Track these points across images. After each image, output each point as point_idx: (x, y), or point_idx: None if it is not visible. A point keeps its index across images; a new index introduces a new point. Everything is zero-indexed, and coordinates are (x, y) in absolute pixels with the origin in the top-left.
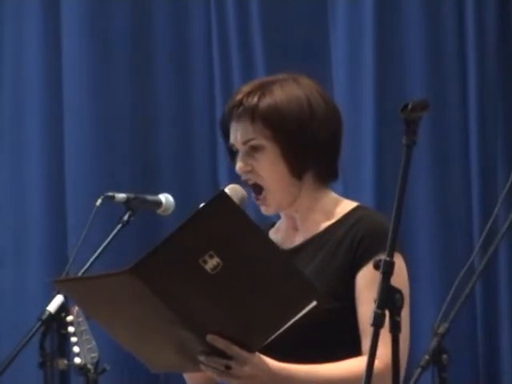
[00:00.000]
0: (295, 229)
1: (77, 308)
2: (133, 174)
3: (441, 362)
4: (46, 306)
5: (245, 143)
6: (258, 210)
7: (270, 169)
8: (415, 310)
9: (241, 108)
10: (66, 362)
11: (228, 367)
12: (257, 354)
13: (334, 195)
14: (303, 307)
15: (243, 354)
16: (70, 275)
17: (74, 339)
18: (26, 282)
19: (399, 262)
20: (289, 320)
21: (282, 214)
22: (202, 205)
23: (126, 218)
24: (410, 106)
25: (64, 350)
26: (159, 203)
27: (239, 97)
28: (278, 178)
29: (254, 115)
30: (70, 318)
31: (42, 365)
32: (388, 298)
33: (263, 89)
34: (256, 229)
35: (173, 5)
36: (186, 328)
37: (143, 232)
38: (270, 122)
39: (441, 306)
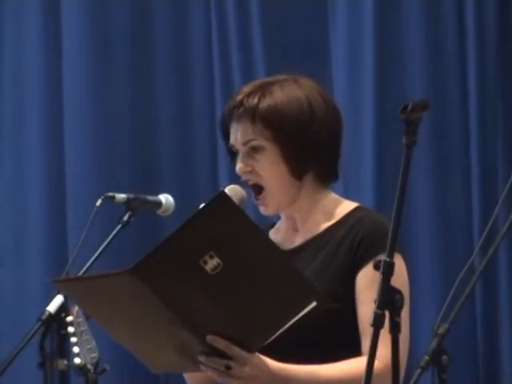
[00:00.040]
0: (295, 229)
1: (77, 308)
2: (133, 175)
3: (441, 363)
4: (46, 306)
5: (245, 144)
6: (257, 211)
7: (270, 169)
8: (415, 310)
9: (241, 108)
10: (65, 362)
11: (228, 367)
12: (257, 354)
13: (334, 196)
14: (303, 308)
15: (243, 354)
16: (70, 275)
17: (73, 339)
18: (26, 282)
19: (399, 262)
20: (289, 320)
21: (282, 215)
22: (202, 205)
23: (126, 218)
24: (410, 107)
25: (64, 350)
26: (159, 203)
27: (239, 97)
28: (278, 178)
29: (254, 116)
30: (69, 319)
31: (41, 365)
32: (388, 299)
33: (263, 89)
34: (256, 229)
35: (173, 5)
36: (186, 328)
37: (143, 232)
38: (270, 122)
39: (441, 307)
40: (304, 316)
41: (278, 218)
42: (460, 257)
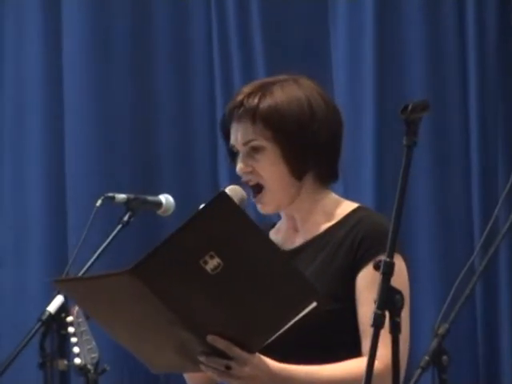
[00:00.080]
0: (295, 230)
1: (77, 308)
2: (133, 175)
3: (441, 363)
4: (46, 306)
5: (245, 144)
6: (258, 211)
7: (270, 169)
8: (415, 310)
9: (241, 109)
10: (66, 362)
11: (228, 367)
12: (257, 354)
13: (334, 196)
14: (303, 308)
15: (243, 354)
16: (70, 275)
17: (74, 340)
18: (26, 282)
19: (399, 262)
20: (289, 321)
21: (283, 215)
22: (202, 205)
23: (126, 218)
24: (410, 107)
25: (64, 350)
26: (159, 204)
27: (240, 98)
28: (279, 178)
29: (254, 116)
30: (70, 319)
31: (42, 365)
32: (388, 299)
33: (264, 90)
34: (256, 229)
35: (173, 5)
36: (187, 328)
37: (143, 233)
38: (271, 122)
39: (441, 307)
40: (304, 316)
41: (279, 218)
42: (460, 257)
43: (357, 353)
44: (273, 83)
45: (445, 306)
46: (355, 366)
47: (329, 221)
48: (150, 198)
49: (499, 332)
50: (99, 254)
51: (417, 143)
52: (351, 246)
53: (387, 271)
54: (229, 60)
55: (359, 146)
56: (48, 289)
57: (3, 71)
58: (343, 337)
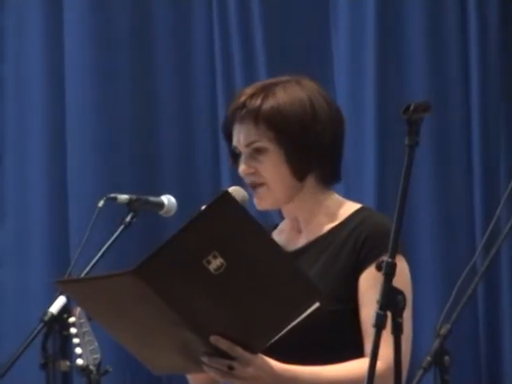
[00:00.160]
0: (298, 231)
1: (79, 309)
2: (135, 175)
3: (443, 364)
4: (48, 307)
5: (248, 145)
6: (260, 212)
7: (273, 170)
8: (417, 310)
9: (244, 110)
10: (68, 363)
11: (231, 368)
12: (260, 355)
13: (337, 197)
14: (306, 308)
15: (246, 355)
16: (73, 276)
17: (76, 340)
18: (28, 282)
19: (401, 263)
20: (292, 321)
21: (285, 216)
22: (204, 206)
23: (128, 219)
24: (411, 107)
25: (66, 351)
26: (161, 204)
27: (242, 99)
28: (281, 179)
29: (257, 117)
30: (72, 320)
31: (44, 366)
32: (390, 299)
33: (266, 91)
34: (260, 229)
35: (174, 3)
36: (189, 329)
37: (145, 233)
38: (273, 124)
39: (443, 307)
40: (307, 317)
41: (281, 219)
42: (462, 257)
43: (360, 353)
44: (275, 84)
45: (447, 306)
46: (358, 366)
47: (332, 221)
48: (152, 198)
49: (501, 332)
50: (101, 255)
51: (419, 143)
52: (354, 246)
53: (389, 271)
54: (230, 59)
55: (361, 146)
56: (50, 289)
57: (4, 71)
58: (346, 337)
